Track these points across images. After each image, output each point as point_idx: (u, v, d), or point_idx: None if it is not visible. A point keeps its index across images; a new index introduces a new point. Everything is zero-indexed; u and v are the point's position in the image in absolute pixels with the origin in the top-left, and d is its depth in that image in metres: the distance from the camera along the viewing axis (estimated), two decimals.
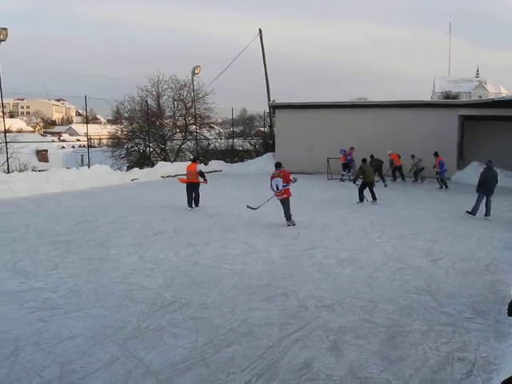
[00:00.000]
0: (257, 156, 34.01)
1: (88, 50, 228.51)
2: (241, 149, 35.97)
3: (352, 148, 25.24)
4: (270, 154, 32.47)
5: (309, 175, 26.49)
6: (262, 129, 42.22)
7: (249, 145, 37.22)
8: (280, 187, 13.58)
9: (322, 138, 27.66)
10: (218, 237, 12.06)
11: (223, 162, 31.81)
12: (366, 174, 17.57)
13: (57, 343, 5.98)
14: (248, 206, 14.83)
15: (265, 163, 31.03)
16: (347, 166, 25.50)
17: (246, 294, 7.78)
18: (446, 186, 21.80)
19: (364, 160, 18.25)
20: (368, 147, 24.91)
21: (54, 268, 9.24)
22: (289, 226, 13.44)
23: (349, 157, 25.29)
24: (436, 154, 22.22)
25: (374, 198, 17.44)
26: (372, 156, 23.38)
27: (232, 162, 32.96)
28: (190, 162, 18.08)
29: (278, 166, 14.22)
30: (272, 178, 13.84)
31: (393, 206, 17.14)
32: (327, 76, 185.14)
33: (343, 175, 25.26)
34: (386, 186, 22.14)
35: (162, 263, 9.59)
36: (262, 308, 7.18)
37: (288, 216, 13.59)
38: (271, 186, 13.81)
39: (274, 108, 32.41)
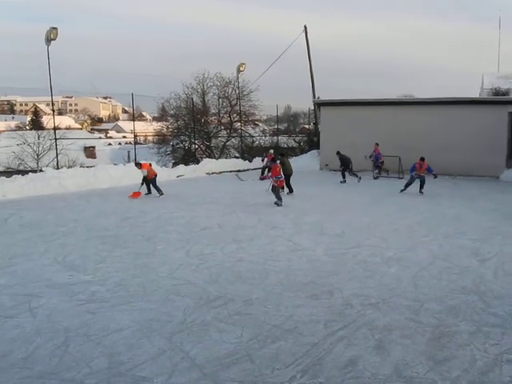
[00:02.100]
0: (301, 153, 33.88)
1: (134, 48, 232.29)
2: (285, 146, 35.90)
3: (376, 144, 25.09)
4: (314, 151, 32.35)
5: None
6: (307, 126, 42.12)
7: (293, 142, 37.13)
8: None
9: (367, 136, 27.28)
10: (262, 233, 12.09)
11: None
12: (286, 167, 18.91)
13: (105, 335, 6.11)
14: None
15: (309, 161, 30.97)
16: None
17: (291, 291, 7.79)
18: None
19: (282, 154, 20.43)
20: (415, 145, 24.64)
21: (102, 262, 9.44)
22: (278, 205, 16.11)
23: (374, 153, 25.19)
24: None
25: (291, 191, 19.03)
26: (338, 152, 23.34)
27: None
28: (144, 164, 19.27)
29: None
30: (280, 169, 16.95)
31: (440, 204, 16.87)
32: (373, 72, 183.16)
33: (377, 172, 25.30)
34: (344, 182, 22.95)
35: (208, 259, 9.68)
36: (306, 305, 7.18)
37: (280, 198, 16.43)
38: (280, 175, 16.66)
39: (319, 105, 32.19)
